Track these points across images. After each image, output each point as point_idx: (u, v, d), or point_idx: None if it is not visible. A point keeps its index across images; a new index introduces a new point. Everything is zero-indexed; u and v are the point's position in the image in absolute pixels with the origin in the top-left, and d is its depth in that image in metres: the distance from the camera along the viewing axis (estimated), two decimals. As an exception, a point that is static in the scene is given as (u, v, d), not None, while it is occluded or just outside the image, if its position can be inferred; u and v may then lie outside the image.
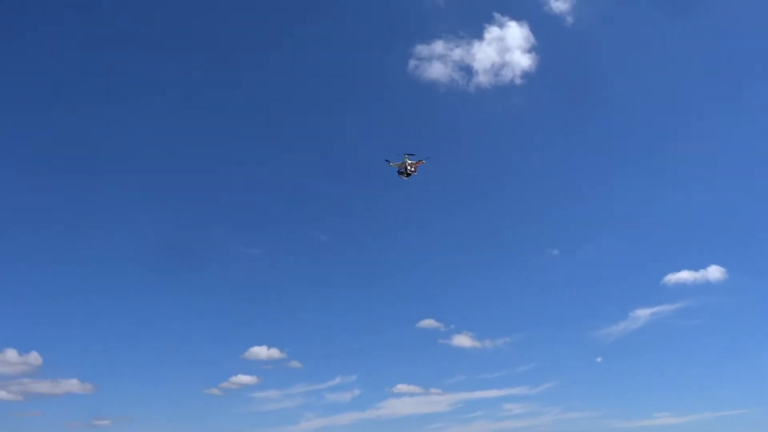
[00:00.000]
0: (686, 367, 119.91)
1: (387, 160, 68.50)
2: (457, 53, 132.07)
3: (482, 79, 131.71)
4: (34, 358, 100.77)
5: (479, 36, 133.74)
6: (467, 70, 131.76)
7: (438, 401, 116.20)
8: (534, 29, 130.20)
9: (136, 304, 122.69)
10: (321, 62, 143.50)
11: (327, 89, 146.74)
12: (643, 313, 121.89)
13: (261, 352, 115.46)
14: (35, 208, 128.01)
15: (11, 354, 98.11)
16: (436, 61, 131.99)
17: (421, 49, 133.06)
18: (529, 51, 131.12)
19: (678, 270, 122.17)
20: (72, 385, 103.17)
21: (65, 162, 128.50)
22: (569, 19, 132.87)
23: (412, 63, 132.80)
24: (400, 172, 69.08)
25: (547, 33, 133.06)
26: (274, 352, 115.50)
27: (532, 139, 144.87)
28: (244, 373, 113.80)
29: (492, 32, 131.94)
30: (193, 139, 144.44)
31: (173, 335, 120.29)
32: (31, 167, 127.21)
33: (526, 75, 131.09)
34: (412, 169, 68.65)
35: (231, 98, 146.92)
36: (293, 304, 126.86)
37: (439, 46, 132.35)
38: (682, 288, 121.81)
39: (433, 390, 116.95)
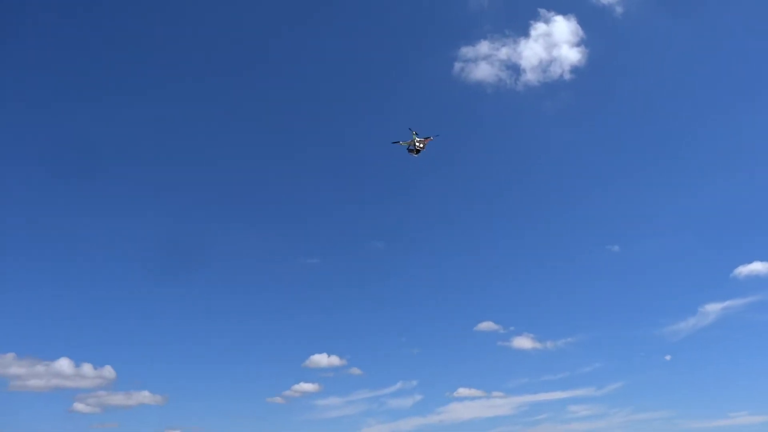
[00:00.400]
0: (762, 364, 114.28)
1: (394, 141, 68.95)
2: (504, 52, 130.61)
3: (530, 76, 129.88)
4: (108, 371, 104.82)
5: (525, 33, 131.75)
6: (514, 69, 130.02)
7: (501, 404, 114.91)
8: (582, 22, 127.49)
9: (201, 318, 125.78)
10: (365, 68, 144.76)
11: (373, 96, 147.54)
12: (714, 308, 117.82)
13: (322, 359, 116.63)
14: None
15: (87, 368, 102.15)
16: (482, 61, 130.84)
17: (466, 51, 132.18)
18: (578, 45, 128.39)
19: (749, 261, 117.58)
20: (144, 396, 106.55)
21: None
22: (618, 9, 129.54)
23: (457, 65, 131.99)
24: (409, 150, 69.30)
25: (595, 25, 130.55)
26: (335, 360, 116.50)
27: (584, 135, 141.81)
28: (306, 381, 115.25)
29: (538, 28, 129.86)
30: (248, 152, 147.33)
31: (237, 346, 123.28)
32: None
33: (575, 70, 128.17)
34: (421, 145, 68.74)
35: (280, 109, 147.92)
36: (352, 311, 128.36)
37: (484, 47, 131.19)
38: (755, 280, 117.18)
39: (495, 393, 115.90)
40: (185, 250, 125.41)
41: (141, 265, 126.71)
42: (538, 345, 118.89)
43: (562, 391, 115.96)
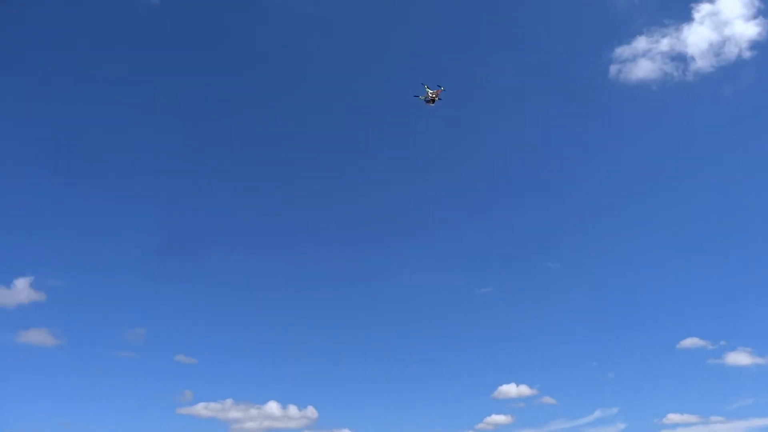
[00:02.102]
0: None
1: (415, 96, 72.67)
2: (665, 44, 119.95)
3: (701, 63, 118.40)
4: (311, 411, 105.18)
5: (687, 18, 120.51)
6: (681, 59, 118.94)
7: (723, 430, 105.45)
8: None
9: (389, 354, 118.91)
10: (518, 82, 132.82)
11: (526, 111, 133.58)
12: None
13: (510, 390, 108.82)
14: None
15: (293, 410, 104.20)
16: (642, 58, 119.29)
17: (622, 51, 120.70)
18: (754, 17, 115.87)
19: None
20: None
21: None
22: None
23: (613, 68, 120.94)
24: (427, 101, 73.21)
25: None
26: (525, 389, 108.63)
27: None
28: (498, 413, 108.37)
29: (702, 10, 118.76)
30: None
31: (424, 381, 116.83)
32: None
33: (755, 45, 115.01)
34: (436, 96, 73.01)
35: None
36: (534, 337, 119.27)
37: (641, 43, 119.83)
38: None
39: (713, 418, 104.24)
40: (371, 296, 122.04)
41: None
42: (759, 360, 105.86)
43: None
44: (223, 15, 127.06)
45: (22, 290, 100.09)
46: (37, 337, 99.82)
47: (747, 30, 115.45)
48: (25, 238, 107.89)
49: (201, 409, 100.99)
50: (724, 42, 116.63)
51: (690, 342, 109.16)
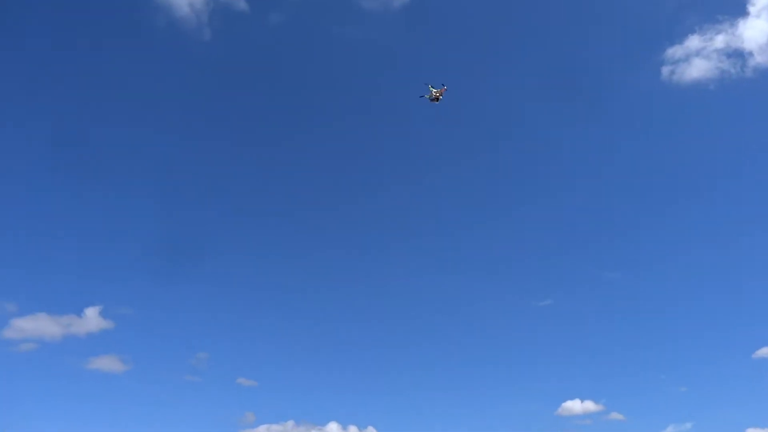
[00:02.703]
0: None
1: (421, 96, 75.13)
2: (720, 40, 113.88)
3: (760, 59, 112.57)
4: None
5: (742, 12, 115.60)
6: (738, 55, 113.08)
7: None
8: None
9: (448, 372, 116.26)
10: (568, 90, 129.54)
11: (578, 122, 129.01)
12: None
13: (575, 406, 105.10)
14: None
15: (353, 431, 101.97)
16: (695, 58, 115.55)
17: (673, 52, 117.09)
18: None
19: None
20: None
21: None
22: None
23: (665, 70, 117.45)
24: (432, 100, 76.04)
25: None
26: (590, 405, 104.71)
27: None
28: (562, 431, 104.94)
29: (758, 2, 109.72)
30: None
31: (485, 398, 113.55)
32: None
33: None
34: (440, 94, 76.05)
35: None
36: (597, 350, 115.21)
37: (694, 41, 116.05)
38: None
39: None
40: (427, 314, 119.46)
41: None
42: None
43: None
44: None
45: (92, 319, 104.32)
46: (107, 363, 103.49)
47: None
48: (94, 269, 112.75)
49: (263, 431, 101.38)
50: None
51: (767, 351, 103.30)
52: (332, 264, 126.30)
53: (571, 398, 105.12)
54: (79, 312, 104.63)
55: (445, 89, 75.74)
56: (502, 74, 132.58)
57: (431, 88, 76.18)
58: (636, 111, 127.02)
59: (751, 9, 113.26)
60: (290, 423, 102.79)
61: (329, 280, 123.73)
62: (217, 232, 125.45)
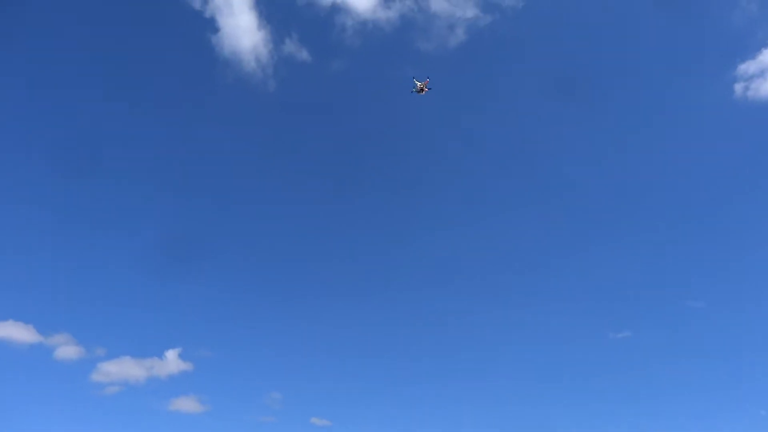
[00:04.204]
0: None
1: (411, 91, 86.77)
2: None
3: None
4: None
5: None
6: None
7: None
8: None
9: (519, 406, 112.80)
10: (641, 111, 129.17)
11: (654, 138, 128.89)
12: None
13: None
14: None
15: None
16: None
17: (746, 67, 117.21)
18: None
19: None
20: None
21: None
22: None
23: (738, 87, 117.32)
24: (418, 92, 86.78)
25: None
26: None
27: None
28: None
29: None
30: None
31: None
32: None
33: None
34: (425, 86, 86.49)
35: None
36: (680, 385, 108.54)
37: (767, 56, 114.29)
38: None
39: None
40: (497, 345, 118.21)
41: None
42: None
43: None
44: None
45: (172, 361, 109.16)
46: (186, 404, 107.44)
47: None
48: (173, 311, 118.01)
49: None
50: None
51: None
52: (405, 305, 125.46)
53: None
54: (160, 354, 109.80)
55: (428, 81, 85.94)
56: (569, 102, 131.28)
57: (416, 81, 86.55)
58: (709, 131, 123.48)
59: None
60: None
61: (402, 321, 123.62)
62: (284, 278, 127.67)
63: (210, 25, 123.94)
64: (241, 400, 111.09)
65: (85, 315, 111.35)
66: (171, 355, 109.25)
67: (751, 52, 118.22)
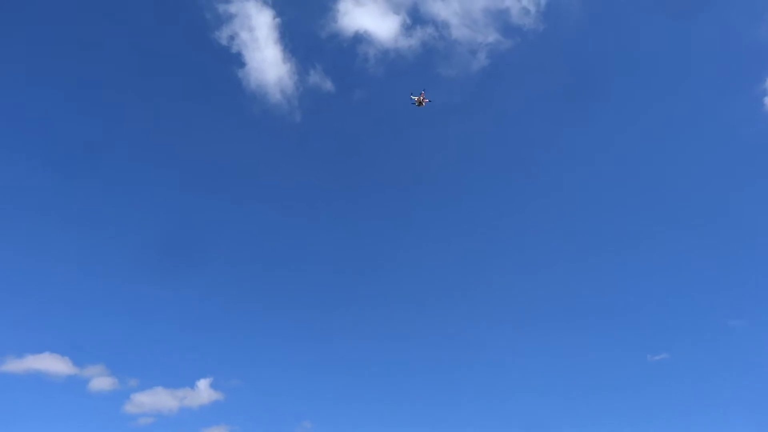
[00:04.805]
0: None
1: (412, 103, 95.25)
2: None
3: None
4: None
5: None
6: None
7: None
8: None
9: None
10: (670, 127, 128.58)
11: (688, 151, 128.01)
12: None
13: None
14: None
15: None
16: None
17: None
18: None
19: None
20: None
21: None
22: None
23: None
24: (417, 105, 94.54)
25: None
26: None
27: None
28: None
29: None
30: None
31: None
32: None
33: None
34: (422, 98, 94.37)
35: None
36: (721, 409, 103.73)
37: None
38: None
39: None
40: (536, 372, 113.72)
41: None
42: None
43: None
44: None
45: (203, 391, 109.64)
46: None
47: None
48: (205, 344, 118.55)
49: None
50: None
51: None
52: (444, 336, 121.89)
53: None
54: (192, 384, 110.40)
55: (424, 93, 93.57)
56: (593, 118, 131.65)
57: (413, 96, 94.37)
58: (740, 144, 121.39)
59: None
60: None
61: (440, 349, 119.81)
62: (314, 310, 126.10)
63: (236, 60, 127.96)
64: (272, 429, 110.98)
65: (118, 345, 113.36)
66: (202, 384, 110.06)
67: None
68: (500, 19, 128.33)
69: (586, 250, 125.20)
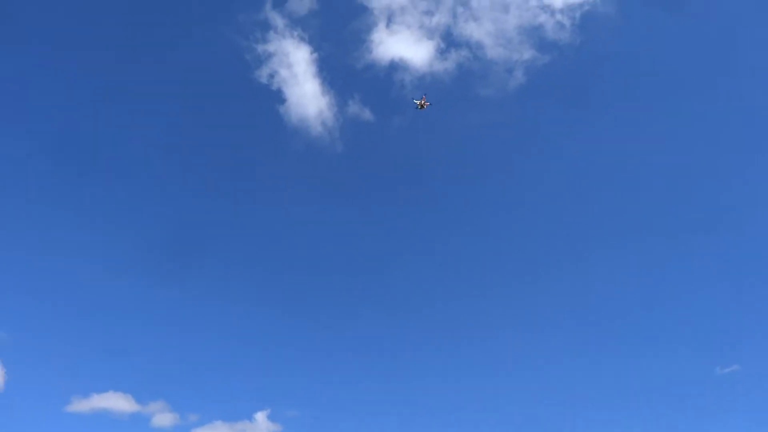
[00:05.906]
0: None
1: (415, 108, 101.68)
2: None
3: None
4: None
5: None
6: None
7: None
8: None
9: None
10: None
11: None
12: None
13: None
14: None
15: None
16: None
17: None
18: None
19: None
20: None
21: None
22: None
23: None
24: (419, 108, 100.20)
25: None
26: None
27: None
28: None
29: None
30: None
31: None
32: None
33: None
34: (424, 102, 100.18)
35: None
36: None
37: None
38: None
39: None
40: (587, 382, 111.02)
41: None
42: None
43: None
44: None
45: (261, 423, 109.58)
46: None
47: None
48: (263, 375, 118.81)
49: None
50: None
51: None
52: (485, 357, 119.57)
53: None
54: (250, 417, 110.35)
55: (425, 97, 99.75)
56: (635, 133, 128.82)
57: (415, 101, 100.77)
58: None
59: None
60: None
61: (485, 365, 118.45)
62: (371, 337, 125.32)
63: (277, 97, 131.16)
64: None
65: (178, 381, 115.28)
66: (260, 417, 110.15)
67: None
68: (535, 36, 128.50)
69: (655, 267, 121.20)
